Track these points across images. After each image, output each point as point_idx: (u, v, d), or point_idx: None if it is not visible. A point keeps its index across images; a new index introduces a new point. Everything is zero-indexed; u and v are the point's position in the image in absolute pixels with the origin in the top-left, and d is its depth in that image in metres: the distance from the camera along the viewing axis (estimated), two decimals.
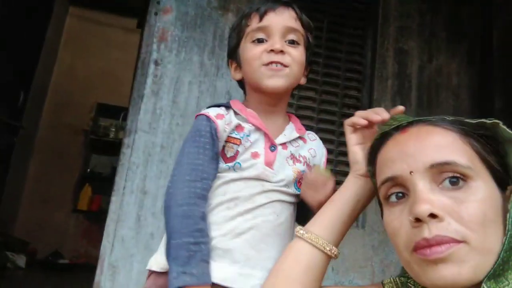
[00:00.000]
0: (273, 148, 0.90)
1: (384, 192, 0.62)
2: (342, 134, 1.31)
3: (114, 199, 1.98)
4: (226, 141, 0.87)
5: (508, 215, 0.56)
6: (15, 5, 3.06)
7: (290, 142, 0.93)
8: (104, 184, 4.18)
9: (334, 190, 0.85)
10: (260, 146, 0.88)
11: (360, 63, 2.54)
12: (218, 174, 0.86)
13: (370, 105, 2.40)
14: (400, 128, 0.64)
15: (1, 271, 3.40)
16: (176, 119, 2.12)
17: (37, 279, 3.68)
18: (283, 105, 0.97)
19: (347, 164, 1.13)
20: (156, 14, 2.22)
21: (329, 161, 1.17)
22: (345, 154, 1.59)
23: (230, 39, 0.98)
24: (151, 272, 0.85)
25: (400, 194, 0.60)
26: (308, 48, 0.96)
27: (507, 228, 0.55)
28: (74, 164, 4.71)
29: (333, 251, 0.73)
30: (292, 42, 0.91)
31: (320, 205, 0.83)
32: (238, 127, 0.89)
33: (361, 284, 2.14)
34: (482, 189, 0.55)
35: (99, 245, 1.92)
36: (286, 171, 0.89)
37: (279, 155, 0.89)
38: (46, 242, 4.23)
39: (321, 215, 0.76)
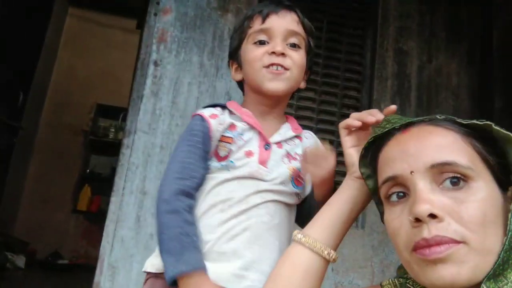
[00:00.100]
0: (267, 146, 0.89)
1: (385, 191, 0.62)
2: None
3: (114, 200, 1.98)
4: (220, 141, 0.88)
5: (509, 215, 0.55)
6: (15, 5, 3.06)
7: (285, 141, 0.93)
8: (103, 185, 4.17)
9: (333, 181, 0.84)
10: (254, 145, 0.88)
11: (359, 63, 2.54)
12: (212, 175, 0.86)
13: (369, 106, 2.40)
14: (401, 127, 0.64)
15: (1, 272, 3.39)
16: (175, 119, 2.12)
17: (37, 279, 3.68)
18: (281, 107, 0.97)
19: None
20: (155, 14, 2.22)
21: None
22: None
23: (232, 40, 0.99)
24: (148, 276, 0.85)
25: (401, 194, 0.59)
26: (309, 52, 0.96)
27: (508, 228, 0.54)
28: (74, 165, 4.72)
29: (331, 255, 0.72)
30: (294, 46, 0.91)
31: (324, 183, 0.83)
32: (231, 126, 0.89)
33: (360, 285, 2.14)
34: (483, 190, 0.55)
35: (99, 246, 1.92)
36: (281, 169, 0.89)
37: (273, 153, 0.89)
38: (45, 243, 4.23)
39: (318, 218, 0.75)
